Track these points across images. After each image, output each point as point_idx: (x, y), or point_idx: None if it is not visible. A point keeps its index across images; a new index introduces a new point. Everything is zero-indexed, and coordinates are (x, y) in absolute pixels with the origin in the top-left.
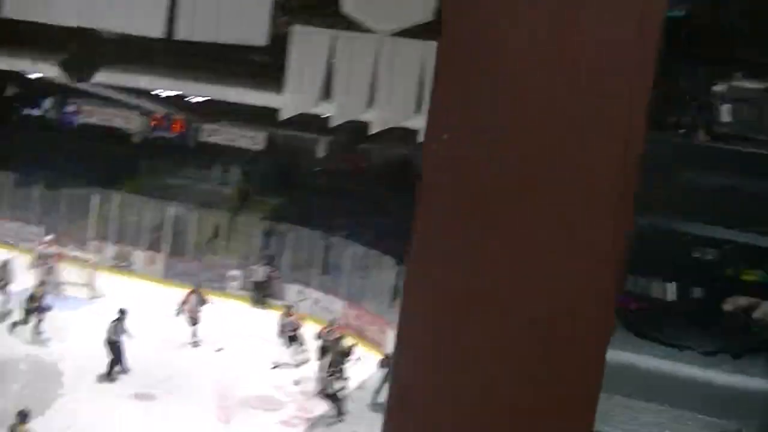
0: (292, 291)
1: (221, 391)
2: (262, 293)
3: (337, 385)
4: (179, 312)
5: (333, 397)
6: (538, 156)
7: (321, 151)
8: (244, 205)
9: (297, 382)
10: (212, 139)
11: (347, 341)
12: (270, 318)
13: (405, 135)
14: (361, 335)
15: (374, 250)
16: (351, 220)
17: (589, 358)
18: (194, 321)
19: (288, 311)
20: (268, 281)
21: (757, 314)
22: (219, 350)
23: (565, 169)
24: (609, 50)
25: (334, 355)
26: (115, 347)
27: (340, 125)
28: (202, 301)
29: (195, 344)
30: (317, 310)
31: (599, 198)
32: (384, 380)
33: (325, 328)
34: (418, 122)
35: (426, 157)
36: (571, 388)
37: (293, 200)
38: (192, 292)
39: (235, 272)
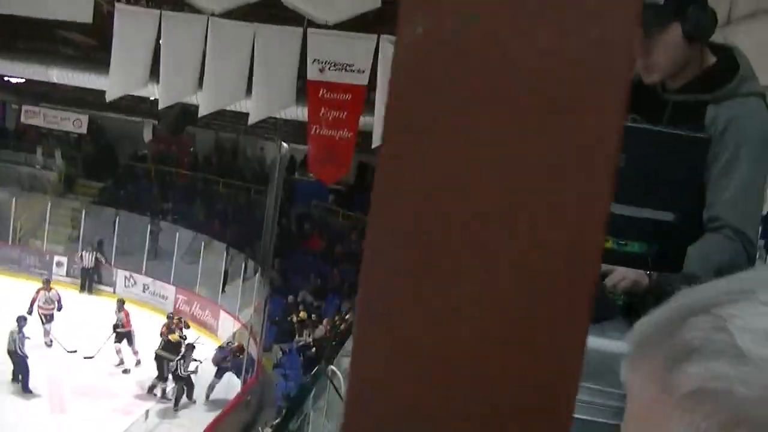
0: (120, 277)
1: (54, 381)
2: (89, 279)
3: (191, 367)
4: (30, 311)
5: (186, 380)
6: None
7: (147, 135)
8: (68, 189)
9: (126, 371)
10: (33, 122)
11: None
12: (99, 304)
13: (234, 119)
14: (193, 320)
15: (203, 234)
16: (178, 205)
17: (573, 325)
18: (47, 318)
19: (46, 285)
20: (96, 267)
21: (607, 281)
22: (49, 337)
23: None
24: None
25: (176, 345)
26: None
27: (167, 108)
28: (56, 297)
29: (49, 344)
30: (147, 296)
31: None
32: (216, 377)
33: (166, 325)
34: (247, 105)
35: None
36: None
37: (119, 184)
38: (42, 288)
39: (61, 258)
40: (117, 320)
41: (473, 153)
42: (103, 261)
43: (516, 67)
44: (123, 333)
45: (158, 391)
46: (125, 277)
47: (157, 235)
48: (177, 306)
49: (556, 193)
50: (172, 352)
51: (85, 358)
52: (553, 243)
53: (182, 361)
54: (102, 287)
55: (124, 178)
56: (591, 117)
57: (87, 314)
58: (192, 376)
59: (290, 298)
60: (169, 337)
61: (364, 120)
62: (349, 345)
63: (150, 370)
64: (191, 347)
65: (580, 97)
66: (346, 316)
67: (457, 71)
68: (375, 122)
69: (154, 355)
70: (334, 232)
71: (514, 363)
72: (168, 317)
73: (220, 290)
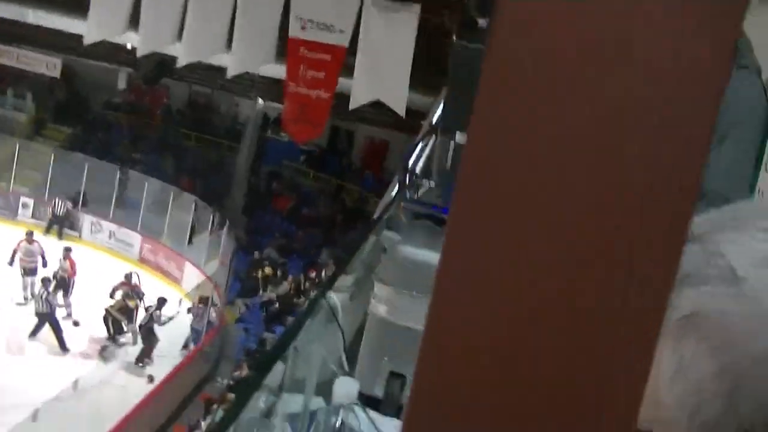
0: (87, 222)
1: (11, 324)
2: (60, 226)
3: (163, 319)
4: (11, 262)
5: (152, 336)
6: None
7: (122, 84)
8: (37, 132)
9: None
10: (5, 61)
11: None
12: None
13: (210, 73)
14: (158, 270)
15: (172, 186)
16: (149, 156)
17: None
18: (26, 272)
19: (29, 237)
20: (67, 216)
21: None
22: (28, 291)
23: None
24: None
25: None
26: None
27: (145, 57)
28: (38, 251)
29: (24, 301)
30: (112, 242)
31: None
32: (195, 330)
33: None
34: (225, 60)
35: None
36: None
37: (90, 131)
38: (23, 240)
39: (27, 200)
40: (59, 268)
41: (561, 152)
42: (71, 207)
43: (608, 75)
44: (61, 282)
45: (111, 351)
46: (92, 223)
47: (125, 184)
48: (142, 255)
49: (644, 197)
50: (126, 316)
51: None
52: (639, 245)
53: (158, 312)
54: (67, 231)
55: (95, 125)
56: (677, 137)
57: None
58: (156, 333)
59: (256, 254)
60: (128, 302)
61: (341, 83)
62: (340, 281)
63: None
64: (163, 300)
65: (666, 116)
66: (310, 275)
67: (549, 71)
68: (353, 86)
69: (105, 313)
70: (302, 193)
71: (592, 368)
72: (126, 277)
73: (187, 242)
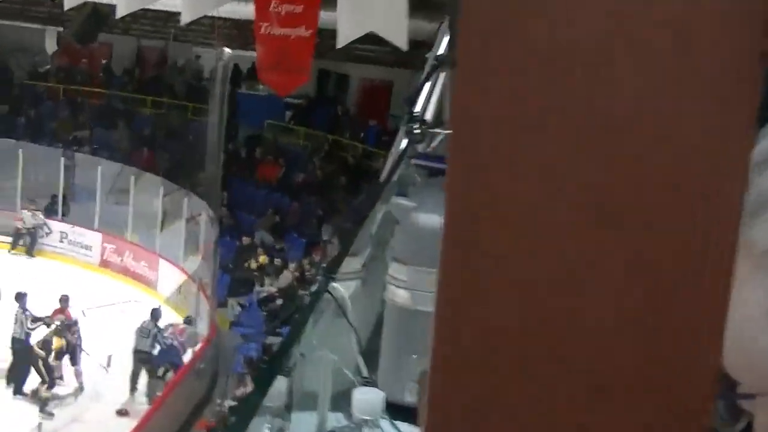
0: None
1: None
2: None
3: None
4: None
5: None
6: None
7: (51, 46)
8: None
9: None
10: None
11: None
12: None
13: (160, 21)
14: (126, 274)
15: (131, 167)
16: (96, 132)
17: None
18: None
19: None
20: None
21: None
22: None
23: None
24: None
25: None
26: None
27: (74, 10)
28: None
29: None
30: (65, 247)
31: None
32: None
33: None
34: (177, 3)
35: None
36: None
37: (17, 109)
38: None
39: None
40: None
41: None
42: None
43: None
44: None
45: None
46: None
47: (72, 171)
48: (104, 257)
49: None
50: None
51: None
52: (680, 244)
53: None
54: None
55: (22, 101)
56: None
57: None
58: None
59: (244, 239)
60: (54, 340)
61: (324, 16)
62: (346, 265)
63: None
64: (156, 313)
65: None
66: (314, 258)
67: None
68: (338, 18)
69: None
70: (292, 157)
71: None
72: (61, 302)
73: (158, 234)
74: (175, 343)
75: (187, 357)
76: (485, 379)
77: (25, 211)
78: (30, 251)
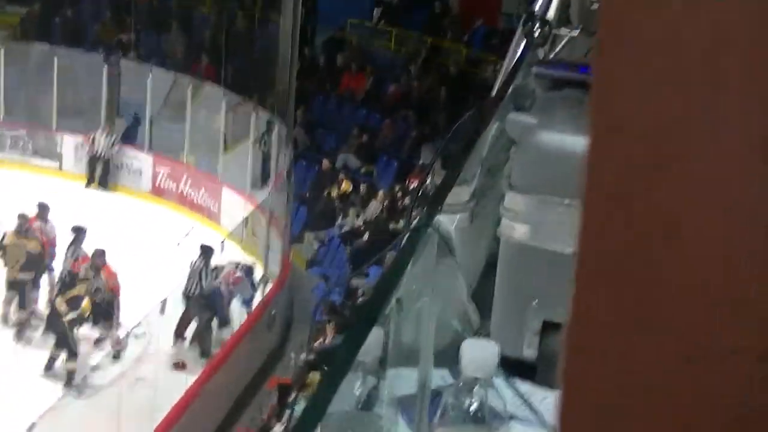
0: (68, 146)
1: None
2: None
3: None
4: None
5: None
6: None
7: None
8: None
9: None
10: None
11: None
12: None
13: None
14: (183, 203)
15: (187, 76)
16: (145, 36)
17: None
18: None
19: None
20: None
21: None
22: None
23: None
24: None
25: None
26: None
27: None
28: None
29: None
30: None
31: None
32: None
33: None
34: None
35: None
36: None
37: (52, 8)
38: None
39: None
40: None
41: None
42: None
43: None
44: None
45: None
46: (75, 147)
47: (117, 81)
48: (157, 183)
49: None
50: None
51: None
52: None
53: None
54: (41, 162)
55: (58, 1)
56: None
57: None
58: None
59: (325, 162)
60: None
61: None
62: (451, 196)
63: None
64: (208, 250)
65: None
66: (408, 186)
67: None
68: None
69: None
70: (382, 65)
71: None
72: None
73: (220, 157)
74: (222, 288)
75: (235, 308)
76: (644, 338)
77: (98, 131)
78: (103, 183)
